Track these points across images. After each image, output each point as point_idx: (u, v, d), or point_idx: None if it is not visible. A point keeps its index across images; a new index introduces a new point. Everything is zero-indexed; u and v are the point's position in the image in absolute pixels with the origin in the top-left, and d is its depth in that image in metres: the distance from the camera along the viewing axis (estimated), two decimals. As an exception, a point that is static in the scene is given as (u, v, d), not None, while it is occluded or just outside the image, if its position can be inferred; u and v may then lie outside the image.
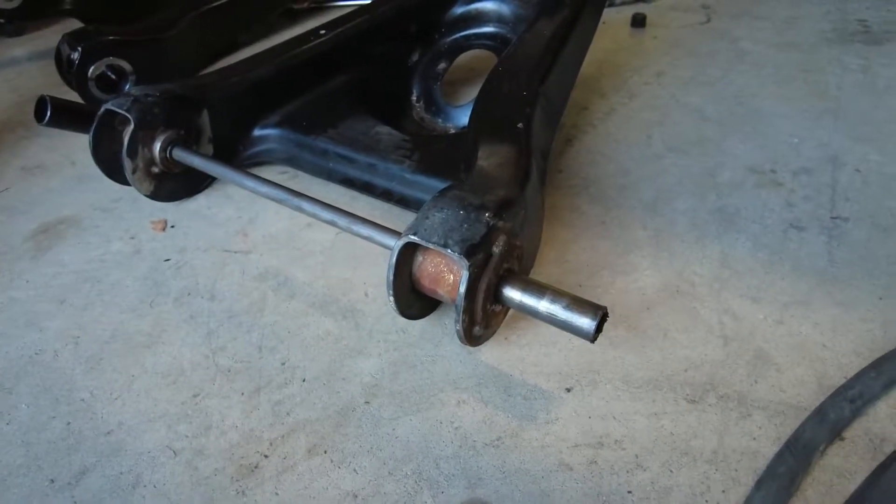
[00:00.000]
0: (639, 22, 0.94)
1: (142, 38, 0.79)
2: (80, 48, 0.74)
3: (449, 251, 0.35)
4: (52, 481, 0.36)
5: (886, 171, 0.59)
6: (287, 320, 0.46)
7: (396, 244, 0.37)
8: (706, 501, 0.33)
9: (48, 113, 0.58)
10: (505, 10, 0.70)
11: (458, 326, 0.36)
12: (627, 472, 0.35)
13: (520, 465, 0.36)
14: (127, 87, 0.79)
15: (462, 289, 0.35)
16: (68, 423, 0.40)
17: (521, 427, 0.38)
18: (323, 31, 0.64)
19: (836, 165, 0.60)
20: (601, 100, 0.74)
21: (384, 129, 0.60)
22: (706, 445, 0.36)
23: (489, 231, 0.36)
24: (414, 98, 0.71)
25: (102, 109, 0.54)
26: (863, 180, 0.58)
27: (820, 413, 0.36)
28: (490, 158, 0.43)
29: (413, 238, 0.36)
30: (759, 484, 0.33)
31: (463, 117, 0.66)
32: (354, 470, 0.36)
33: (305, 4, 1.09)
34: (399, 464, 0.36)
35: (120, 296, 0.49)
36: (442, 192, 0.39)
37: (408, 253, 0.38)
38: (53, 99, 0.58)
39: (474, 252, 0.35)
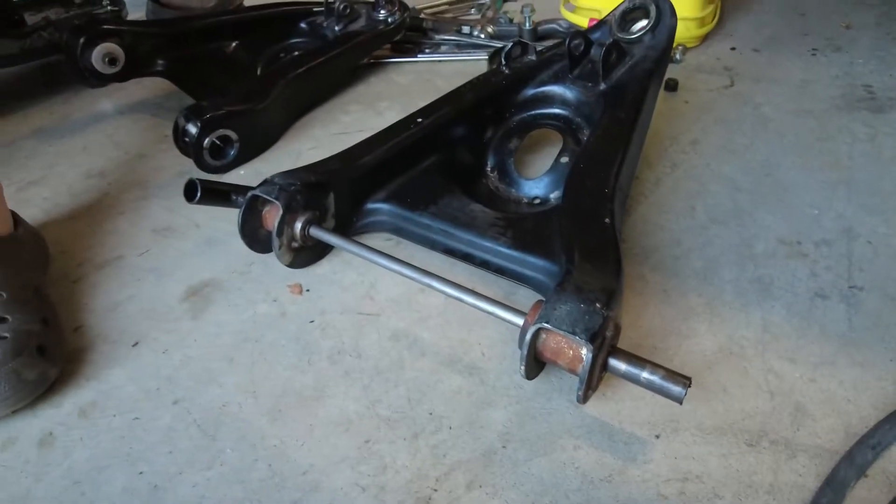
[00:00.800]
0: (671, 87, 1.06)
1: (244, 109, 0.91)
2: (199, 123, 0.85)
3: (576, 337, 0.47)
4: (276, 511, 0.48)
5: (893, 242, 0.72)
6: (425, 376, 0.58)
7: (531, 328, 0.49)
8: (769, 525, 0.46)
9: (198, 194, 0.69)
10: (568, 94, 0.82)
11: (580, 393, 0.49)
12: (708, 500, 0.47)
13: (628, 495, 0.48)
14: (232, 153, 0.90)
15: (587, 366, 0.47)
16: (269, 465, 0.51)
17: (625, 466, 0.50)
18: (420, 119, 0.76)
19: (850, 237, 0.73)
20: (648, 170, 0.86)
21: (477, 207, 0.72)
22: (764, 480, 0.48)
23: (605, 321, 0.48)
24: (489, 169, 0.83)
25: (250, 195, 0.66)
26: (873, 251, 0.71)
27: (849, 457, 0.49)
28: (589, 255, 0.55)
29: (546, 325, 0.48)
30: (809, 512, 0.45)
31: (533, 189, 0.79)
32: (506, 501, 0.48)
33: (365, 61, 1.21)
34: (538, 496, 0.48)
35: (280, 354, 0.61)
36: (561, 287, 0.51)
37: (539, 331, 0.50)
38: (202, 181, 0.70)
39: (595, 338, 0.47)
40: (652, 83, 0.75)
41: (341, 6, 1.16)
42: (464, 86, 0.82)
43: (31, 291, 0.63)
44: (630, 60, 0.78)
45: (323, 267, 0.72)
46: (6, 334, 0.56)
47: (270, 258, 0.70)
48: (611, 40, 0.76)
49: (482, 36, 1.23)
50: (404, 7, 1.18)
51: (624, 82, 0.76)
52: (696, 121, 0.98)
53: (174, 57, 1.06)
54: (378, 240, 0.75)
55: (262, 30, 1.18)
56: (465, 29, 1.26)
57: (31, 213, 0.84)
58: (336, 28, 1.17)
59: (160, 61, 1.05)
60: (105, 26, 1.01)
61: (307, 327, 0.64)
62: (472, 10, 1.47)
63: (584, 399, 0.49)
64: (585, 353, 0.47)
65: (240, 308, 0.67)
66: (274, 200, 0.65)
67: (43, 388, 0.57)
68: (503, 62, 0.83)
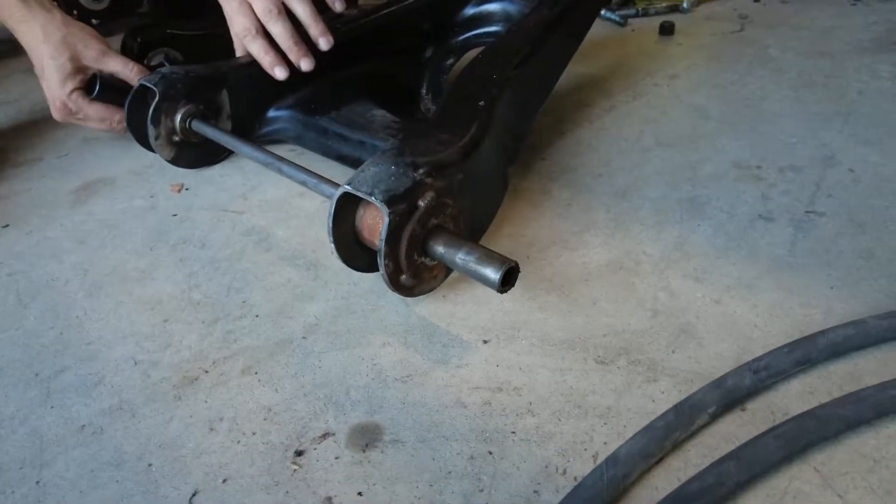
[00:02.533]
0: (667, 30, 0.94)
1: (193, 33, 0.89)
2: (139, 39, 0.84)
3: (373, 198, 0.39)
4: (37, 375, 0.43)
5: (883, 171, 0.57)
6: (258, 268, 0.52)
7: (335, 194, 0.41)
8: (585, 450, 0.35)
9: (97, 87, 0.67)
10: (512, 9, 0.74)
11: (382, 271, 0.40)
12: (517, 415, 0.37)
13: (420, 399, 0.38)
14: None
15: (383, 234, 0.39)
16: (61, 333, 0.47)
17: (431, 368, 0.41)
18: (339, 26, 0.71)
19: (828, 165, 0.59)
20: (604, 99, 0.75)
21: (379, 112, 0.65)
22: (601, 402, 0.37)
23: (415, 185, 0.40)
24: (424, 90, 0.75)
25: (139, 84, 0.63)
26: (853, 179, 0.56)
27: (718, 380, 0.37)
28: (440, 129, 0.47)
29: (346, 188, 0.40)
30: (634, 436, 0.34)
31: (463, 108, 0.70)
32: (276, 389, 0.40)
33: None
34: (315, 388, 0.40)
35: (129, 241, 0.57)
36: (383, 151, 0.43)
37: (349, 205, 0.42)
38: (102, 76, 0.68)
39: (396, 201, 0.39)
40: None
41: None
42: (396, -3, 0.76)
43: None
44: (577, -34, 0.69)
45: (214, 170, 0.68)
46: None
47: (168, 165, 0.66)
48: (549, -64, 0.67)
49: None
50: None
51: (563, -14, 0.67)
52: (684, 59, 0.86)
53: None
54: (282, 150, 0.70)
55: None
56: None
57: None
58: None
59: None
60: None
61: (168, 220, 0.59)
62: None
63: (393, 283, 0.41)
64: (383, 217, 0.39)
65: (116, 201, 0.64)
66: (152, 86, 0.61)
67: None
68: (443, -28, 0.76)
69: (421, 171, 0.41)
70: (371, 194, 0.39)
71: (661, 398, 0.37)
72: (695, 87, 0.77)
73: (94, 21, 1.13)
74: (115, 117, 0.70)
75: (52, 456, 0.37)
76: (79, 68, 0.67)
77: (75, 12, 1.09)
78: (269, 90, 0.68)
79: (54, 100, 0.69)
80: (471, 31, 0.76)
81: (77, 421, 0.39)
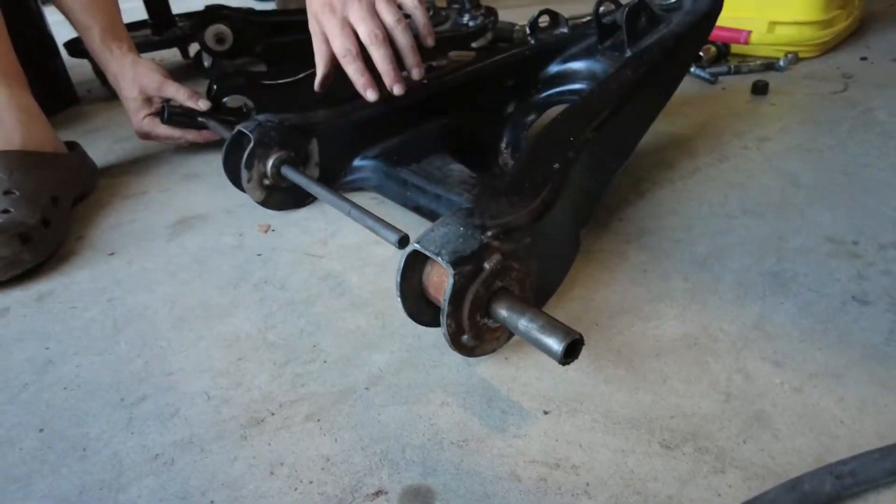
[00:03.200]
0: (760, 89, 0.91)
1: (271, 82, 0.95)
2: (215, 86, 0.91)
3: (439, 258, 0.40)
4: (122, 399, 0.46)
5: None
6: (331, 313, 0.53)
7: (403, 252, 0.43)
8: (644, 540, 0.33)
9: (166, 114, 0.76)
10: (598, 68, 0.74)
11: (444, 330, 0.41)
12: (573, 496, 0.36)
13: (475, 466, 0.38)
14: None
15: (447, 294, 0.39)
16: (146, 362, 0.50)
17: (488, 435, 0.40)
18: (426, 81, 0.74)
19: (937, 245, 0.54)
20: (689, 160, 0.73)
21: (457, 167, 0.66)
22: (663, 490, 0.35)
23: (481, 247, 0.40)
24: (503, 145, 0.77)
25: (236, 130, 0.68)
26: (966, 264, 0.51)
27: (794, 481, 0.34)
28: (512, 190, 0.47)
29: (416, 246, 0.41)
30: (699, 532, 0.32)
31: (540, 163, 0.71)
32: (335, 439, 0.41)
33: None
34: (373, 442, 0.40)
35: (215, 276, 0.61)
36: (454, 211, 0.44)
37: (418, 261, 0.43)
38: (170, 105, 0.76)
39: (461, 263, 0.39)
40: (679, 48, 0.64)
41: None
42: (483, 54, 0.78)
43: (46, 198, 0.70)
44: (664, 28, 0.68)
45: (300, 213, 0.72)
46: (2, 221, 0.63)
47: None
48: (636, 2, 0.67)
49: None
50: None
51: (648, 46, 0.66)
52: (777, 120, 0.82)
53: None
54: (364, 197, 0.73)
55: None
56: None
57: (108, 159, 0.97)
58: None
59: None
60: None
61: (253, 259, 0.63)
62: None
63: (454, 343, 0.41)
64: (448, 278, 0.39)
65: (207, 237, 0.69)
66: (248, 133, 0.66)
67: (17, 270, 0.63)
68: (528, 32, 0.78)
69: (489, 233, 0.41)
70: (438, 254, 0.40)
71: (728, 493, 0.35)
72: (787, 151, 0.74)
73: (221, 60, 1.25)
74: (181, 136, 0.90)
75: (127, 481, 0.39)
76: (147, 99, 0.89)
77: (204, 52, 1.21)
78: (355, 141, 0.72)
79: (134, 125, 0.91)
80: (554, 88, 0.77)
81: (152, 449, 0.42)
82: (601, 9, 0.71)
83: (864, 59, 1.03)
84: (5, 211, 0.66)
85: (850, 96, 0.88)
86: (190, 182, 0.84)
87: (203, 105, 0.88)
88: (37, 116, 0.79)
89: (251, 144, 0.65)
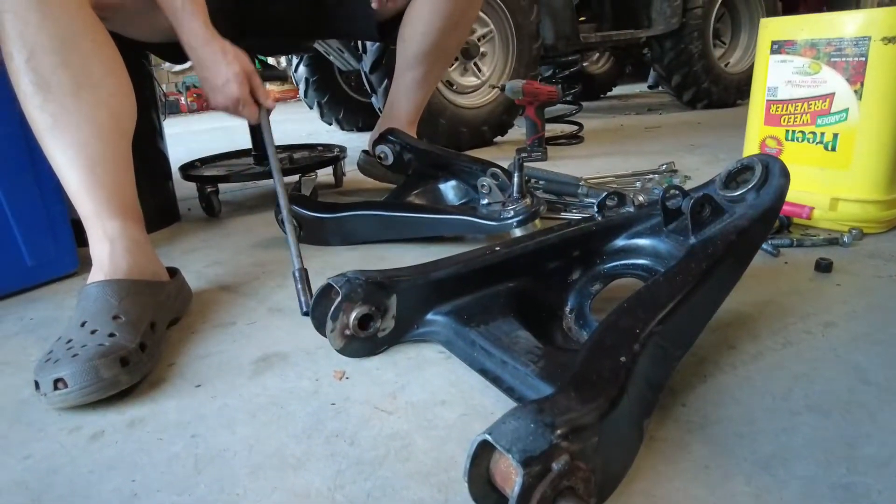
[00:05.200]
0: (823, 267, 0.92)
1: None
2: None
3: (510, 456, 0.42)
4: (199, 552, 0.49)
5: None
6: (396, 479, 0.56)
7: (475, 439, 0.46)
8: None
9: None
10: (662, 247, 0.79)
11: (511, 526, 0.42)
12: None
13: None
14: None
15: (515, 493, 0.42)
16: (225, 511, 0.53)
17: None
18: (498, 248, 0.80)
19: None
20: (751, 342, 0.75)
21: (524, 334, 0.70)
22: None
23: (551, 448, 0.43)
24: (567, 310, 0.81)
25: (325, 283, 0.75)
26: None
27: None
28: (579, 385, 0.50)
29: (487, 437, 0.45)
30: None
31: (603, 334, 0.74)
32: None
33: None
34: None
35: (291, 423, 0.65)
36: (526, 403, 0.47)
37: (487, 448, 0.46)
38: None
39: (531, 463, 0.42)
40: (742, 240, 0.68)
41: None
42: (554, 226, 0.84)
43: (146, 324, 0.79)
44: (728, 218, 0.73)
45: (372, 361, 0.76)
46: (105, 343, 0.71)
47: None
48: (701, 193, 0.73)
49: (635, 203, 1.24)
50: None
51: (712, 236, 0.71)
52: (843, 304, 0.83)
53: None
54: (432, 350, 0.78)
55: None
56: (616, 194, 1.29)
57: (201, 283, 1.07)
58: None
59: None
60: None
61: (327, 408, 0.67)
62: (637, 184, 1.50)
63: (519, 537, 0.43)
64: (516, 477, 0.42)
65: (287, 378, 0.74)
66: (337, 288, 0.73)
67: (113, 390, 0.70)
68: (596, 210, 0.84)
69: (558, 432, 0.44)
70: (509, 451, 0.43)
71: None
72: (854, 340, 0.74)
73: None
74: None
75: None
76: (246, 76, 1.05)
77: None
78: (430, 297, 0.78)
79: (237, 92, 1.04)
80: (619, 260, 0.82)
81: None
82: (667, 196, 0.77)
83: (933, 239, 1.03)
84: (111, 335, 0.74)
85: (918, 283, 0.88)
86: (274, 316, 0.92)
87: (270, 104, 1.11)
88: (144, 247, 0.90)
89: (339, 298, 0.72)
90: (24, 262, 1.11)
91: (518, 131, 2.38)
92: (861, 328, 0.77)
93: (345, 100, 2.81)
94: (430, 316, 0.78)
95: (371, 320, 0.74)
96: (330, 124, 2.98)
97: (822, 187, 1.08)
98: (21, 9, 0.80)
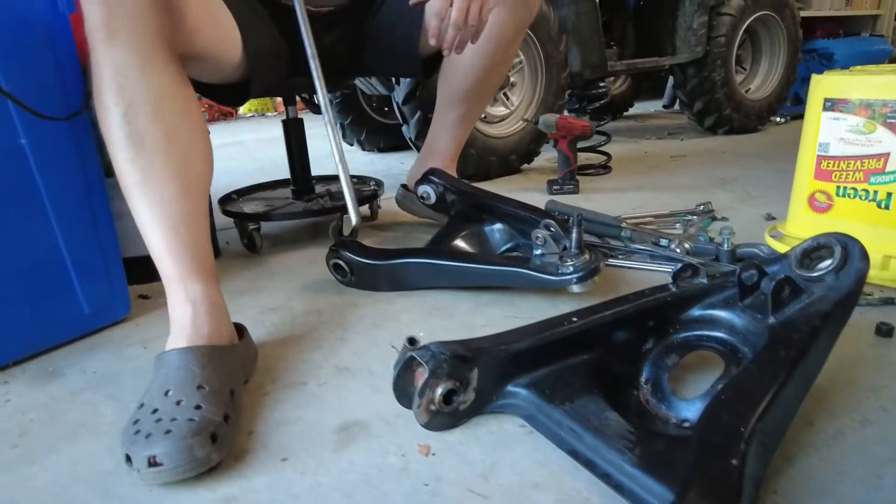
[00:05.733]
0: (885, 332, 0.94)
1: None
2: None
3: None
4: None
5: None
6: (507, 575, 0.57)
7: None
8: None
9: None
10: (736, 322, 0.80)
11: None
12: None
13: None
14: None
15: None
16: None
17: None
18: (575, 319, 0.81)
19: None
20: (829, 419, 0.76)
21: (613, 416, 0.71)
22: None
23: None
24: (642, 380, 0.82)
25: (408, 356, 0.76)
26: None
27: None
28: (701, 495, 0.52)
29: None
30: None
31: (684, 410, 0.75)
32: None
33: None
34: None
35: (388, 506, 0.66)
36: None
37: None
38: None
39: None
40: (826, 326, 0.70)
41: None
42: (629, 295, 0.86)
43: (227, 392, 0.79)
44: (807, 298, 0.74)
45: (455, 435, 0.77)
46: (195, 418, 0.72)
47: (412, 414, 0.78)
48: (783, 276, 0.74)
49: (678, 250, 1.26)
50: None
51: (795, 319, 0.72)
52: (911, 376, 0.84)
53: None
54: (513, 424, 0.79)
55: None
56: (663, 242, 1.31)
57: (258, 333, 1.07)
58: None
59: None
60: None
61: (419, 488, 0.68)
62: (677, 225, 1.52)
63: None
64: None
65: (373, 452, 0.75)
66: (424, 364, 0.74)
67: (205, 468, 0.70)
68: (671, 281, 0.85)
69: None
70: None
71: None
72: (930, 419, 0.75)
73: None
74: None
75: None
76: None
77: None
78: (510, 369, 0.79)
79: None
80: (693, 330, 0.83)
81: None
82: (745, 272, 0.79)
83: None
84: (198, 406, 0.75)
85: (981, 352, 0.90)
86: (343, 376, 0.93)
87: None
88: (222, 309, 0.91)
89: (426, 375, 0.73)
90: (81, 309, 1.11)
91: (543, 157, 2.39)
92: (935, 405, 0.78)
93: (367, 121, 2.82)
94: (509, 388, 0.79)
95: (455, 395, 0.76)
96: (351, 145, 2.99)
97: (875, 245, 1.09)
98: (122, 63, 0.82)
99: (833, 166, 1.12)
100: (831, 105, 1.10)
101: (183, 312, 0.85)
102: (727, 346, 0.80)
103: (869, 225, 1.10)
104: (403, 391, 0.77)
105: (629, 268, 1.29)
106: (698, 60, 2.51)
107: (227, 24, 1.10)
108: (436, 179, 1.43)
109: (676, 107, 3.53)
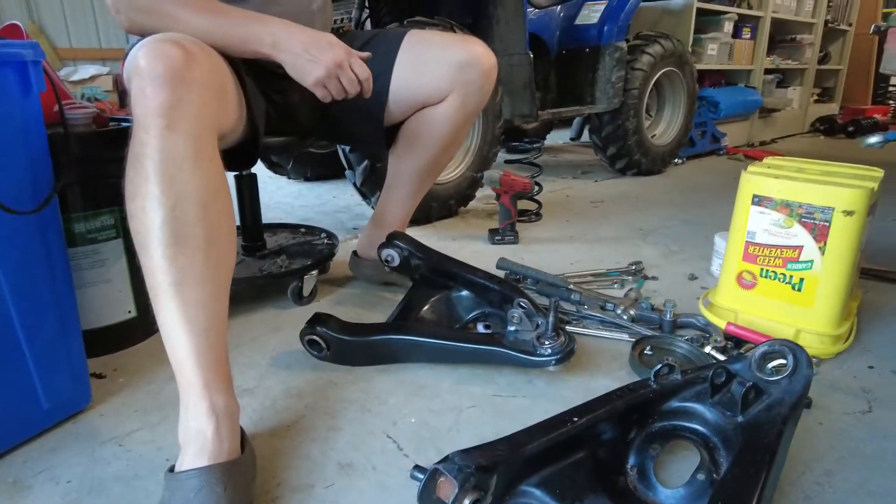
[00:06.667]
0: (805, 404, 1.12)
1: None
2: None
3: None
4: None
5: None
6: None
7: None
8: None
9: None
10: (708, 416, 0.93)
11: None
12: None
13: None
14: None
15: None
16: None
17: None
18: (576, 418, 0.90)
19: None
20: (782, 500, 0.91)
21: (619, 514, 0.81)
22: None
23: None
24: (629, 467, 0.93)
25: (433, 468, 0.81)
26: None
27: None
28: None
29: None
30: None
31: (669, 499, 0.87)
32: None
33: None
34: None
35: None
36: None
37: None
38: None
39: None
40: (786, 428, 0.84)
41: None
42: (616, 392, 0.96)
43: (245, 509, 0.80)
44: (767, 399, 0.89)
45: (476, 538, 0.83)
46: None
47: (432, 520, 0.83)
48: (751, 383, 0.88)
49: (625, 317, 1.40)
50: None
51: (760, 421, 0.86)
52: (831, 448, 1.02)
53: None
54: (525, 520, 0.86)
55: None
56: (609, 306, 1.44)
57: (243, 422, 1.06)
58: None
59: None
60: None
61: None
62: (615, 286, 1.67)
63: None
64: None
65: (402, 566, 0.79)
66: (453, 480, 0.79)
67: None
68: (652, 378, 0.97)
69: None
70: None
71: None
72: (853, 492, 0.92)
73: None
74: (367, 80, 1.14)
75: None
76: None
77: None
78: (522, 472, 0.86)
79: (338, 59, 1.09)
80: (672, 420, 0.95)
81: None
82: (715, 373, 0.92)
83: (871, 367, 1.28)
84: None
85: (876, 420, 1.10)
86: (348, 475, 0.95)
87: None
88: (237, 419, 0.88)
89: (456, 490, 0.78)
90: (39, 404, 1.03)
91: (479, 201, 2.50)
92: (854, 477, 0.96)
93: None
94: (522, 487, 0.86)
95: (479, 502, 0.81)
96: (276, 174, 2.91)
97: (789, 319, 1.30)
98: (177, 155, 0.77)
99: (758, 251, 1.31)
100: (759, 201, 1.29)
101: (206, 426, 0.80)
102: (700, 437, 0.93)
103: (784, 302, 1.30)
104: (427, 500, 0.82)
105: (583, 334, 1.41)
106: (614, 110, 2.74)
107: (240, 96, 1.08)
108: (400, 244, 1.46)
109: (584, 138, 3.80)
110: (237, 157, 1.22)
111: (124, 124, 1.28)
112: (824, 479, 0.95)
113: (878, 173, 1.35)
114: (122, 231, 1.25)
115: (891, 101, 6.17)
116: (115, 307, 1.28)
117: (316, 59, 1.08)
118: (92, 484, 0.93)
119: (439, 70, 1.34)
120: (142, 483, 0.92)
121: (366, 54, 1.17)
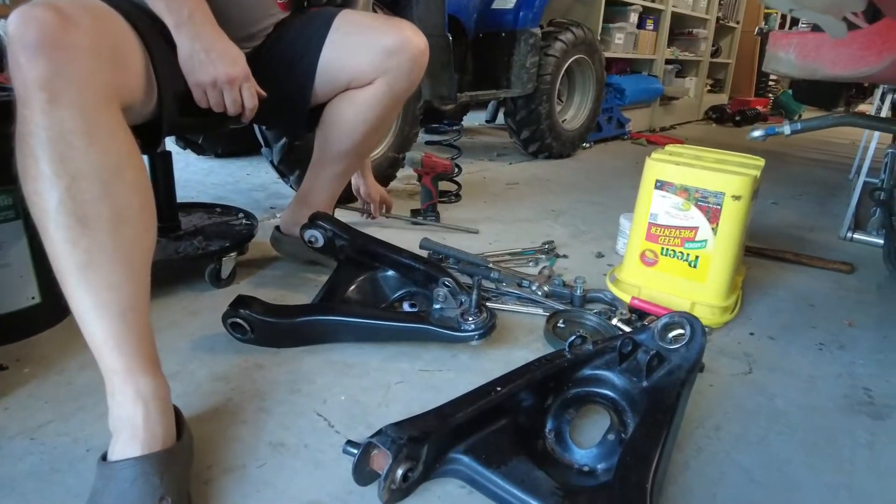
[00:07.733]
0: (700, 368, 1.26)
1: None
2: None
3: None
4: None
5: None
6: None
7: None
8: None
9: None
10: (617, 381, 1.03)
11: None
12: None
13: None
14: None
15: None
16: None
17: None
18: (499, 388, 0.96)
19: (851, 549, 0.86)
20: (678, 452, 1.02)
21: (540, 474, 0.88)
22: None
23: None
24: (547, 430, 1.01)
25: (367, 442, 0.84)
26: (870, 567, 0.83)
27: None
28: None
29: None
30: None
31: (584, 458, 0.96)
32: None
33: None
34: None
35: (373, 588, 0.75)
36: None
37: None
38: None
39: None
40: (684, 391, 0.95)
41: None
42: (533, 362, 1.03)
43: (186, 498, 0.79)
44: (668, 365, 1.00)
45: (411, 501, 0.88)
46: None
47: (366, 489, 0.87)
48: (654, 351, 0.98)
49: (539, 293, 1.49)
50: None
51: (662, 385, 0.96)
52: (718, 406, 1.16)
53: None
54: (454, 486, 0.92)
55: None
56: (525, 283, 1.53)
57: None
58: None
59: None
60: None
61: (395, 564, 0.78)
62: (531, 264, 1.76)
63: None
64: None
65: (341, 536, 0.82)
66: (387, 451, 0.83)
67: None
68: (567, 349, 1.05)
69: None
70: None
71: None
72: (735, 442, 1.06)
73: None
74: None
75: None
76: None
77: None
78: (450, 440, 0.92)
79: (231, 76, 1.10)
80: (585, 387, 1.04)
81: None
82: (622, 343, 1.01)
83: (752, 334, 1.45)
84: (162, 517, 0.74)
85: (755, 380, 1.26)
86: (280, 454, 0.96)
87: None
88: (170, 403, 0.85)
89: (390, 461, 0.82)
90: (-67, 400, 0.96)
91: (399, 181, 2.51)
92: (736, 429, 1.10)
93: (205, 128, 2.65)
94: (450, 455, 0.92)
95: (411, 472, 0.86)
96: (184, 148, 2.77)
97: (685, 293, 1.44)
98: (66, 130, 0.71)
99: (660, 232, 1.44)
100: (661, 185, 1.40)
101: (134, 412, 0.77)
102: (610, 402, 1.02)
103: (682, 278, 1.44)
104: (361, 473, 0.85)
105: (502, 310, 1.48)
106: (528, 95, 2.84)
107: (147, 67, 1.01)
108: (325, 225, 1.46)
109: (499, 120, 3.90)
110: (140, 135, 1.17)
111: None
112: (713, 432, 1.08)
113: (760, 162, 1.51)
114: (22, 212, 1.17)
115: (770, 94, 6.81)
116: (16, 293, 1.20)
117: (212, 63, 1.07)
118: (2, 482, 0.88)
119: (366, 55, 1.34)
120: (59, 477, 0.88)
121: (262, 93, 1.21)
